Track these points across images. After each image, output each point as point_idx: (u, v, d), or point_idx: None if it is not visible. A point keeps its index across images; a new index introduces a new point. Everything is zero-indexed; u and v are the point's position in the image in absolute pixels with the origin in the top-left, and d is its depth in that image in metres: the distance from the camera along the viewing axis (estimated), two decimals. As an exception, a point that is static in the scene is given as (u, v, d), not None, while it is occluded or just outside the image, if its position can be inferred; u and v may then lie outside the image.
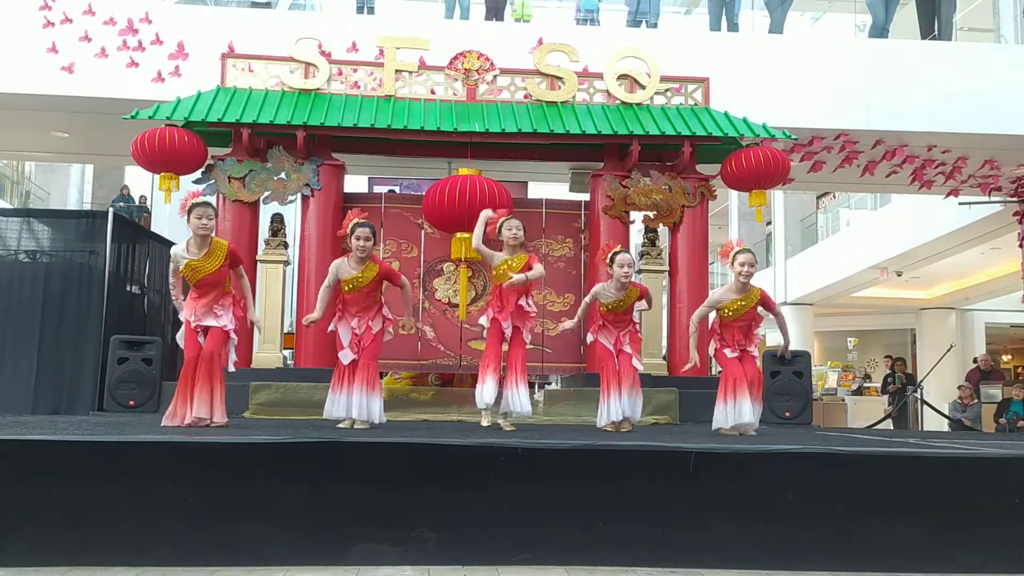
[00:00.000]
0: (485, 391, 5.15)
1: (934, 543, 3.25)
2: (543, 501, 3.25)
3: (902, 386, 12.82)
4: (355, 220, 5.17)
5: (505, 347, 5.43)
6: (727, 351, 5.42)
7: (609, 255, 5.47)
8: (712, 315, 5.63)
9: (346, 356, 5.22)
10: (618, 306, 5.51)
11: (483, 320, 5.40)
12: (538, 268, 5.21)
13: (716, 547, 3.22)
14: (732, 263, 5.34)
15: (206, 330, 4.97)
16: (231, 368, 5.15)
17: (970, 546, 3.26)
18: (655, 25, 10.13)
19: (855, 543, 3.24)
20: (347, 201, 7.84)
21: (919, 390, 11.44)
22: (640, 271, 7.76)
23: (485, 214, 5.34)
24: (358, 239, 5.11)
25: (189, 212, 4.86)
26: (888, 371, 13.79)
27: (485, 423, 5.30)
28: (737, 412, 5.27)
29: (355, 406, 5.11)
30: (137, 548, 3.05)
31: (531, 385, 9.27)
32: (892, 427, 11.51)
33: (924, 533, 3.27)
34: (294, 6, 10.78)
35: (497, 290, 5.32)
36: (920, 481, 3.34)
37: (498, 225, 5.24)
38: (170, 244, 9.41)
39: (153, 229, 11.46)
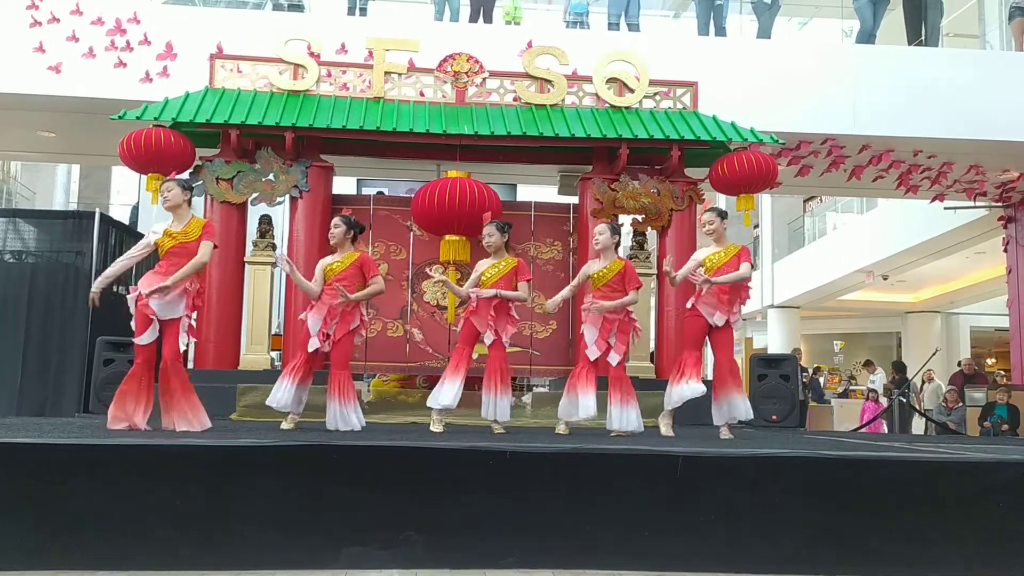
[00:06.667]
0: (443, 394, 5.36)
1: (918, 546, 3.28)
2: (530, 504, 3.26)
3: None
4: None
5: (483, 351, 5.58)
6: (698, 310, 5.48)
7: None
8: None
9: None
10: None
11: (487, 336, 5.53)
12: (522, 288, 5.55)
13: (703, 551, 3.23)
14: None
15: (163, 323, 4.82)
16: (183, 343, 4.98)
17: (955, 549, 3.28)
18: (636, 27, 10.10)
19: (840, 547, 3.26)
20: (336, 203, 7.83)
21: (904, 394, 11.52)
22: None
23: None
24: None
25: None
26: (892, 376, 13.86)
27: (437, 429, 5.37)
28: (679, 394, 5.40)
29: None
30: (123, 552, 3.04)
31: (521, 388, 9.28)
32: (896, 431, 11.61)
33: (908, 536, 3.29)
34: (281, 7, 10.72)
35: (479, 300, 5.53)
36: (905, 485, 3.37)
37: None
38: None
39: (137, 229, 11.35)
